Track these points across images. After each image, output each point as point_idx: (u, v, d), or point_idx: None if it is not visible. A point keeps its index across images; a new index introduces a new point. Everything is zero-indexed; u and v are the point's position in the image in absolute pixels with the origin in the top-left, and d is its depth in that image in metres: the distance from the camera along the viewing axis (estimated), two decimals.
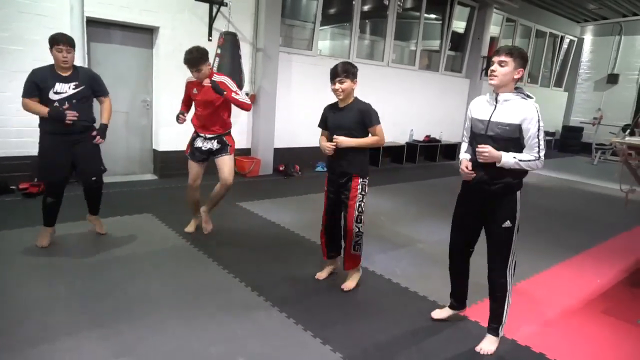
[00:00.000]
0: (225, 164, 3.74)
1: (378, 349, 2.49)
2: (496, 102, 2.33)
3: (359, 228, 2.99)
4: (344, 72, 2.84)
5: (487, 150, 2.26)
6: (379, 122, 2.90)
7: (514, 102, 2.28)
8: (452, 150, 9.97)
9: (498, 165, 2.27)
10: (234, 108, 3.74)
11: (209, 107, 3.61)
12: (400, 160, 8.87)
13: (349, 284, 3.13)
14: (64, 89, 3.27)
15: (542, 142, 2.25)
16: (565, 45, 13.31)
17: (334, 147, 2.88)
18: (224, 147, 3.75)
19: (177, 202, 5.03)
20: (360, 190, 2.98)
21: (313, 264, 3.51)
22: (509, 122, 2.26)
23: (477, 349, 2.52)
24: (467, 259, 2.70)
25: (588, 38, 13.47)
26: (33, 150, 4.92)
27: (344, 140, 2.86)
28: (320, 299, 3.02)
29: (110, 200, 4.71)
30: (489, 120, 2.33)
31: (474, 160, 2.41)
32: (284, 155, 7.12)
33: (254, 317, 2.72)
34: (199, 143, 3.75)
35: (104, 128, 3.52)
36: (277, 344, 2.46)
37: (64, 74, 3.27)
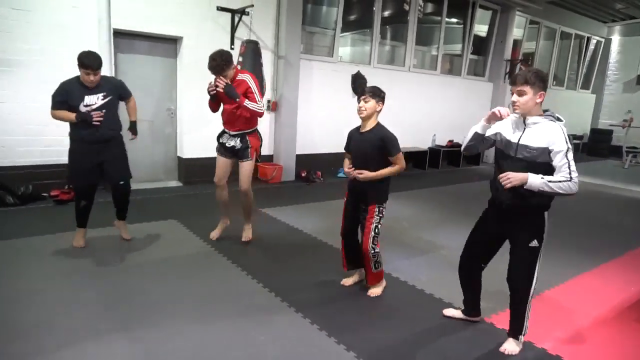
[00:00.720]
0: (243, 170, 3.76)
1: (402, 357, 2.45)
2: (525, 125, 2.32)
3: (374, 249, 2.98)
4: (370, 91, 2.89)
5: (508, 177, 2.22)
6: (399, 150, 2.89)
7: (542, 125, 2.27)
8: (475, 155, 9.83)
9: (525, 187, 2.22)
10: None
11: (233, 102, 3.61)
12: (423, 166, 8.79)
13: (375, 290, 3.13)
14: (93, 101, 3.40)
15: (572, 163, 2.19)
16: (592, 47, 13.00)
17: (355, 176, 2.90)
18: (246, 149, 3.74)
19: (201, 208, 5.10)
20: (377, 213, 2.98)
21: (335, 269, 3.50)
22: (536, 146, 2.24)
23: (502, 349, 2.51)
24: (478, 273, 2.70)
25: (616, 38, 13.13)
26: (63, 158, 5.07)
27: (368, 175, 2.87)
28: (344, 304, 3.00)
29: (135, 206, 4.81)
30: (518, 143, 2.32)
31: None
32: (305, 162, 7.14)
33: (276, 322, 2.72)
34: (224, 139, 3.79)
35: (134, 124, 3.71)
36: (299, 349, 2.46)
37: (91, 87, 3.39)
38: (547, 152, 2.22)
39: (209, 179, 6.21)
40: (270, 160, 6.92)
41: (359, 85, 7.60)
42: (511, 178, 2.22)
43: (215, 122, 6.15)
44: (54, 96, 3.38)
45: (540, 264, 2.42)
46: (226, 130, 3.77)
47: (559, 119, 2.30)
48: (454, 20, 9.43)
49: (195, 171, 6.18)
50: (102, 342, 2.40)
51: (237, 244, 3.95)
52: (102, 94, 3.42)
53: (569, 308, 3.17)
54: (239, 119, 3.67)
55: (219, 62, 3.46)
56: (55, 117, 3.40)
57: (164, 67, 5.95)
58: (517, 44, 10.42)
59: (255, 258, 3.70)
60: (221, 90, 3.48)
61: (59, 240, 3.79)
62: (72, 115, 3.34)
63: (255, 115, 3.65)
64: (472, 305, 2.80)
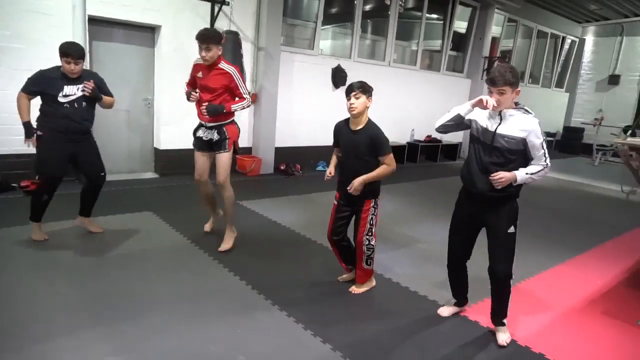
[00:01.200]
0: (220, 162, 3.58)
1: (378, 348, 2.49)
2: (501, 117, 2.43)
3: (369, 241, 2.96)
4: (359, 87, 2.81)
5: (501, 177, 2.35)
6: (390, 151, 2.83)
7: (518, 117, 2.40)
8: (453, 150, 9.99)
9: (515, 184, 2.39)
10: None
11: (211, 94, 3.47)
12: (401, 160, 8.87)
13: (359, 289, 3.11)
14: (73, 91, 3.32)
15: (547, 151, 2.40)
16: (566, 46, 13.31)
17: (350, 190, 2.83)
18: (223, 140, 3.56)
19: (178, 200, 5.04)
20: (372, 206, 2.96)
21: (314, 263, 3.51)
22: (514, 135, 2.38)
23: (501, 342, 2.59)
24: (465, 265, 2.78)
25: (589, 39, 13.47)
26: (34, 148, 4.93)
27: (359, 186, 2.80)
28: (321, 298, 3.02)
29: (111, 198, 4.72)
30: (495, 132, 2.43)
31: (478, 169, 2.49)
32: (284, 155, 7.12)
33: (255, 316, 2.72)
34: (200, 133, 3.60)
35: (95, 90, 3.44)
36: (277, 343, 2.47)
37: (72, 77, 3.31)
38: (523, 142, 2.37)
39: (185, 171, 6.16)
40: (249, 153, 6.87)
41: (339, 78, 7.61)
42: (503, 178, 2.35)
43: (193, 113, 6.09)
44: (30, 83, 3.29)
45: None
46: (203, 123, 3.59)
47: (528, 112, 2.43)
48: (434, 16, 9.51)
49: (172, 163, 6.09)
50: (80, 337, 2.36)
51: (213, 237, 3.92)
52: (82, 85, 3.33)
53: (540, 299, 3.27)
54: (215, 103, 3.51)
55: (210, 32, 3.32)
56: (18, 103, 3.29)
57: (141, 57, 5.83)
58: (495, 41, 10.58)
59: (234, 252, 3.67)
60: (194, 100, 3.44)
61: (30, 232, 3.68)
62: (24, 117, 3.29)
63: (244, 108, 3.57)
64: (463, 296, 2.89)
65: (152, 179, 5.98)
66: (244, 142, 6.79)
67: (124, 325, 2.50)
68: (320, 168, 7.52)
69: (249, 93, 3.48)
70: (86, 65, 5.19)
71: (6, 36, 4.68)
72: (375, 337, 2.60)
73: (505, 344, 2.59)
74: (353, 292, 3.09)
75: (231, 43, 5.81)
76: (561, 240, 4.71)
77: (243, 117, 6.67)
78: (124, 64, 5.71)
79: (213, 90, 3.45)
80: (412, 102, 9.13)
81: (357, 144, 2.84)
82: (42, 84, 3.27)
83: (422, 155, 9.40)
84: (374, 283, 3.19)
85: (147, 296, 2.85)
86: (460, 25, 10.00)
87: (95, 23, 5.27)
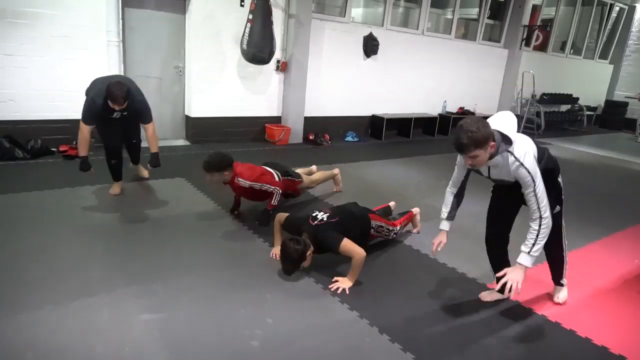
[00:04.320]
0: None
1: (404, 318, 2.50)
2: (487, 165, 2.25)
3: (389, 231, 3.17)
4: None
5: (516, 282, 2.19)
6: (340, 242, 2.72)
7: (503, 163, 2.19)
8: None
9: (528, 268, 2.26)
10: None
11: (243, 194, 3.66)
12: (432, 132, 8.70)
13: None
14: (119, 115, 3.64)
15: (540, 198, 2.13)
16: (614, 14, 12.50)
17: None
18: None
19: None
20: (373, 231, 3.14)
21: None
22: (507, 179, 2.28)
23: (556, 299, 2.73)
24: (506, 247, 2.68)
25: None
26: (71, 113, 5.08)
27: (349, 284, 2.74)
28: (348, 266, 3.04)
29: (144, 164, 4.83)
30: (489, 177, 2.39)
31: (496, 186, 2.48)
32: (313, 124, 7.08)
33: (283, 281, 2.77)
34: None
35: (155, 156, 3.88)
36: (304, 308, 2.52)
37: (117, 108, 3.53)
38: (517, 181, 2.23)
39: (216, 138, 6.24)
40: (278, 122, 6.87)
41: (370, 48, 7.43)
42: (517, 284, 2.19)
43: (223, 81, 6.11)
44: (88, 117, 3.54)
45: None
46: None
47: (513, 155, 2.14)
48: None
49: (202, 130, 6.17)
50: (114, 294, 2.47)
51: (244, 205, 3.97)
52: (125, 113, 3.62)
53: (573, 277, 3.19)
54: (252, 197, 3.69)
55: (211, 163, 3.32)
56: (81, 134, 3.57)
57: (172, 24, 5.83)
58: (536, 9, 10.05)
59: None
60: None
61: (69, 195, 3.84)
62: (84, 152, 3.63)
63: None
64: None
65: (183, 146, 6.08)
66: (273, 111, 6.80)
67: (155, 285, 2.59)
68: (349, 139, 7.46)
69: (273, 187, 3.53)
70: (119, 32, 5.26)
71: (40, 3, 4.75)
72: (402, 306, 2.62)
73: (560, 300, 2.73)
74: None
75: (261, 10, 5.73)
76: (596, 218, 4.55)
77: (273, 86, 6.64)
78: (155, 31, 5.73)
79: (243, 193, 3.62)
80: (446, 72, 8.85)
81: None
82: (96, 118, 3.56)
83: (453, 128, 9.17)
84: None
85: (178, 259, 2.94)
86: None
87: None
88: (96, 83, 3.60)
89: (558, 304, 2.74)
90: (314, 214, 2.88)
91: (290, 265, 2.69)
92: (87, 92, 3.61)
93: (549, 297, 2.83)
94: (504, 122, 2.24)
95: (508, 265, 2.65)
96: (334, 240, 2.72)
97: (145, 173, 4.43)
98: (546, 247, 2.47)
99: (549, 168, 2.38)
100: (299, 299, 2.61)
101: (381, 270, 3.03)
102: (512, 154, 2.15)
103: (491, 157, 2.16)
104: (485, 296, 2.74)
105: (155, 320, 2.28)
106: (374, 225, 3.12)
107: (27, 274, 2.59)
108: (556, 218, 2.41)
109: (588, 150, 8.51)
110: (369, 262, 3.07)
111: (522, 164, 2.12)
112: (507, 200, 2.55)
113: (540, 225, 2.16)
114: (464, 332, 2.44)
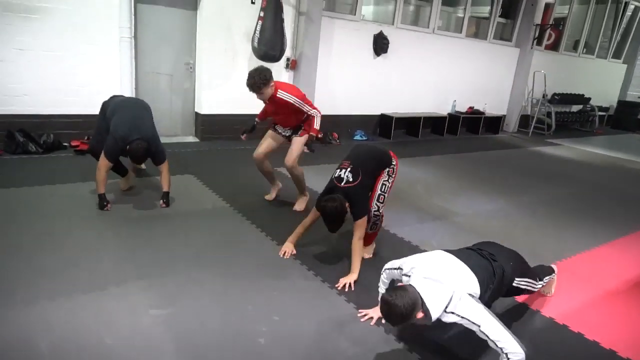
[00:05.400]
0: (293, 145, 3.81)
1: None
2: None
3: (378, 207, 2.98)
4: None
5: None
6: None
7: (445, 319, 1.92)
8: (496, 123, 9.61)
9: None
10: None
11: (283, 114, 3.70)
12: (441, 132, 8.66)
13: (367, 253, 3.18)
14: None
15: (493, 333, 1.83)
16: (629, 12, 12.31)
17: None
18: (298, 130, 3.82)
19: (218, 164, 5.15)
20: (387, 173, 2.99)
21: (346, 230, 3.53)
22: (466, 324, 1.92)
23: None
24: None
25: None
26: (82, 108, 5.13)
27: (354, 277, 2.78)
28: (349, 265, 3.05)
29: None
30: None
31: None
32: (322, 123, 7.02)
33: (290, 278, 2.79)
34: (279, 129, 3.89)
35: (166, 195, 3.76)
36: (311, 306, 2.53)
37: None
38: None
39: (225, 135, 6.27)
40: None
41: (380, 46, 7.41)
42: None
43: (234, 78, 6.13)
44: (110, 155, 3.48)
45: None
46: (277, 126, 3.87)
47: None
48: None
49: (212, 127, 6.20)
50: (125, 286, 2.51)
51: (251, 202, 4.00)
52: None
53: (583, 278, 3.18)
54: (292, 121, 3.74)
55: (256, 80, 3.38)
56: (100, 170, 3.48)
57: (183, 20, 5.86)
58: (548, 7, 9.93)
59: (270, 216, 3.76)
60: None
61: (81, 189, 3.89)
62: (101, 189, 3.52)
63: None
64: None
65: (193, 142, 6.11)
66: None
67: (164, 279, 2.63)
68: (357, 137, 7.46)
69: (314, 110, 3.65)
70: (131, 28, 5.30)
71: None
72: None
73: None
74: (365, 257, 3.11)
75: (272, 7, 5.73)
76: (608, 219, 4.52)
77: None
78: (167, 27, 5.77)
79: (284, 112, 3.66)
80: (456, 71, 8.80)
81: None
82: (121, 148, 3.46)
83: (462, 128, 9.12)
84: (374, 245, 3.25)
85: (187, 254, 2.97)
86: None
87: None
88: (118, 114, 3.52)
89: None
90: (336, 175, 2.91)
91: (336, 223, 2.76)
92: (110, 121, 3.52)
93: (558, 300, 2.81)
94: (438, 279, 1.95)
95: None
96: (364, 210, 2.84)
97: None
98: None
99: (504, 286, 2.18)
100: (306, 296, 2.62)
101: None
102: (447, 313, 1.90)
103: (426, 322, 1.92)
104: None
105: (164, 315, 2.31)
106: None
107: (39, 266, 2.63)
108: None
109: (599, 152, 8.42)
110: (376, 262, 3.08)
111: (454, 312, 1.89)
112: None
113: None
114: (470, 333, 2.43)
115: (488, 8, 9.17)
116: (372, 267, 2.93)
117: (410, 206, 4.32)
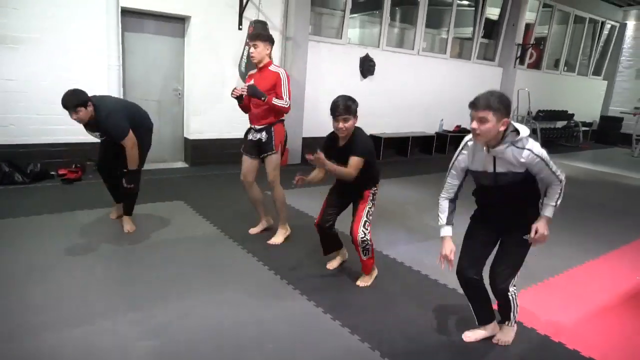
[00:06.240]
0: (269, 164, 3.68)
1: (406, 339, 2.48)
2: (492, 155, 2.19)
3: (364, 233, 2.89)
4: (346, 110, 2.86)
5: (540, 236, 2.19)
6: (360, 155, 2.83)
7: (511, 154, 2.13)
8: None
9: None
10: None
11: (260, 103, 3.55)
12: (429, 151, 8.75)
13: (364, 280, 3.08)
14: (97, 137, 3.60)
15: (554, 167, 2.17)
16: (606, 32, 12.72)
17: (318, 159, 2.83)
18: (270, 142, 3.63)
19: (208, 190, 5.12)
20: (370, 199, 2.96)
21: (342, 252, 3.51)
22: (514, 172, 2.17)
23: (495, 340, 2.48)
24: (481, 277, 2.44)
25: (631, 23, 12.83)
26: (70, 137, 5.10)
27: (327, 164, 2.83)
28: (349, 288, 3.03)
29: (143, 186, 4.82)
30: (495, 173, 2.23)
31: (487, 203, 2.46)
32: (312, 145, 7.10)
33: (283, 304, 2.75)
34: (250, 136, 3.70)
35: (129, 173, 3.58)
36: (305, 331, 2.49)
37: (82, 124, 3.42)
38: (526, 172, 2.19)
39: (215, 160, 6.26)
40: None
41: (367, 68, 7.53)
42: (542, 234, 2.20)
43: (223, 103, 6.17)
44: (123, 123, 3.48)
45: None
46: (252, 126, 3.68)
47: (523, 147, 2.12)
48: (465, 2, 9.26)
49: (201, 153, 6.19)
50: (113, 318, 2.45)
51: (242, 227, 3.97)
52: (98, 133, 3.52)
53: (574, 294, 3.18)
54: (268, 114, 3.60)
55: (259, 31, 3.43)
56: (134, 142, 3.52)
57: (171, 47, 5.91)
58: (529, 27, 10.23)
59: (262, 242, 3.72)
60: (245, 94, 3.43)
61: (68, 219, 3.83)
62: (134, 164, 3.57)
63: (282, 110, 3.57)
64: (487, 314, 2.52)
65: (182, 168, 6.09)
66: None
67: (155, 309, 2.57)
68: None
69: (289, 101, 3.53)
70: (119, 56, 5.32)
71: (41, 28, 4.82)
72: (402, 328, 2.59)
73: (497, 342, 2.46)
74: (360, 285, 3.05)
75: None
76: (595, 234, 4.56)
77: None
78: (155, 55, 5.81)
79: (261, 105, 3.52)
80: (442, 91, 8.95)
81: (346, 157, 2.87)
82: (128, 120, 3.51)
83: (451, 146, 9.21)
84: (376, 271, 3.17)
85: (177, 282, 2.92)
86: (493, 12, 9.70)
87: (128, 14, 5.37)
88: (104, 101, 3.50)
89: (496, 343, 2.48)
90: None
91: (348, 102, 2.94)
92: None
93: (551, 317, 2.80)
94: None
95: (490, 305, 2.49)
96: (363, 150, 2.87)
97: (127, 227, 3.75)
98: (493, 286, 2.38)
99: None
100: (300, 322, 2.58)
101: (387, 291, 3.01)
102: (519, 146, 2.13)
103: (497, 143, 2.13)
104: (470, 336, 2.52)
105: (154, 346, 2.25)
106: None
107: (25, 299, 2.56)
108: (526, 245, 2.34)
109: (584, 166, 8.54)
110: (376, 284, 3.05)
111: (532, 150, 2.12)
112: (490, 235, 2.49)
113: (560, 189, 2.21)
114: (465, 352, 2.41)
115: (471, 29, 9.40)
116: (371, 289, 2.90)
117: (401, 226, 4.31)
